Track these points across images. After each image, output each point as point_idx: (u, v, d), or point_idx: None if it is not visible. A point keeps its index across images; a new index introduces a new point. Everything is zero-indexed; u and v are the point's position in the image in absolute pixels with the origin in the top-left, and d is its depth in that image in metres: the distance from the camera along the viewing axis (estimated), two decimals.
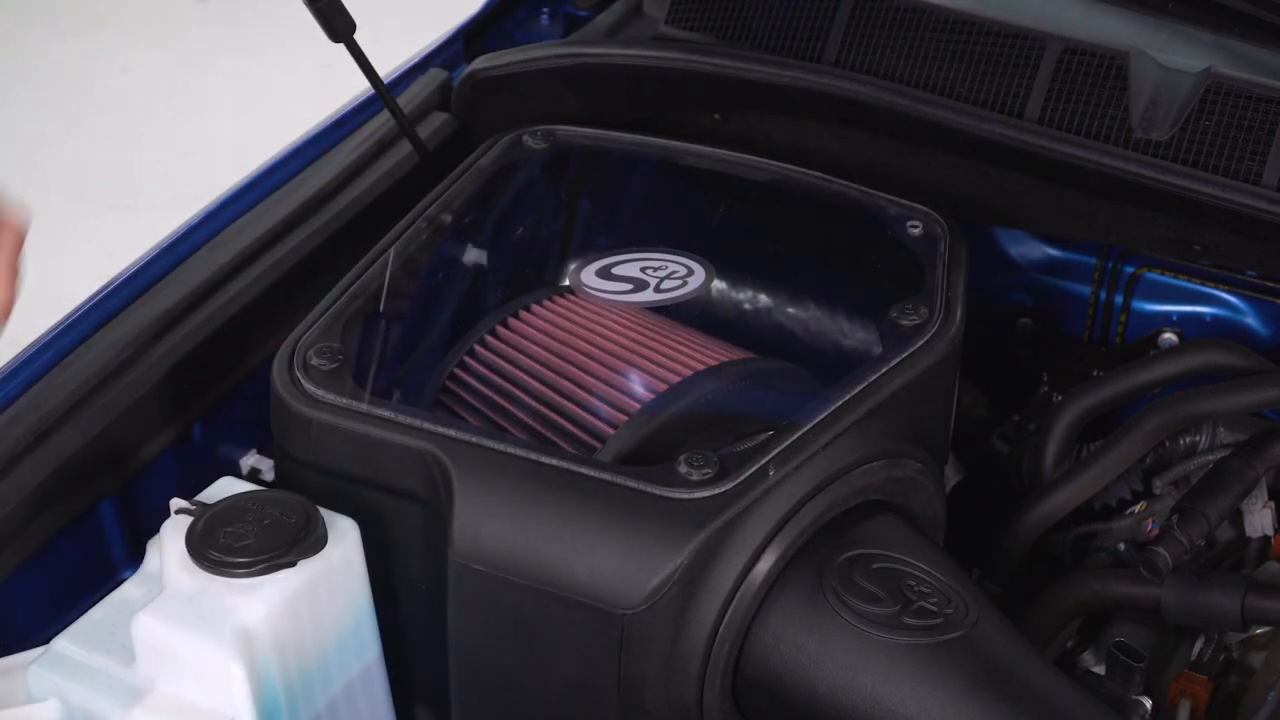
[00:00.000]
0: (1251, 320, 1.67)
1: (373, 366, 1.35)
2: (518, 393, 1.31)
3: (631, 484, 1.16)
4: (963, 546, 1.35)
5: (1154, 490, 1.49)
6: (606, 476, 1.17)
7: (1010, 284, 1.75)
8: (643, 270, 1.43)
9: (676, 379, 1.28)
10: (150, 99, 4.05)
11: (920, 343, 1.29)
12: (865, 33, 1.62)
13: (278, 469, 1.32)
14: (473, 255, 1.49)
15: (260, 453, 1.46)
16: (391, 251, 1.39)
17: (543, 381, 1.31)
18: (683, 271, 1.43)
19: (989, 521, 1.47)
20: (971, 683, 1.15)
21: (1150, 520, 1.45)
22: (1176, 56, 1.55)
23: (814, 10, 1.61)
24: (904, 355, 1.28)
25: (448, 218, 1.45)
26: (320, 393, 1.23)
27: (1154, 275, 1.69)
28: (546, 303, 1.40)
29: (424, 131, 1.67)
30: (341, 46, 1.56)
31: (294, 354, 1.27)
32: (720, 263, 1.46)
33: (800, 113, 1.61)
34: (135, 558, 1.37)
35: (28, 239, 1.15)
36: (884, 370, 1.27)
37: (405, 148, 1.65)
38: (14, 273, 1.14)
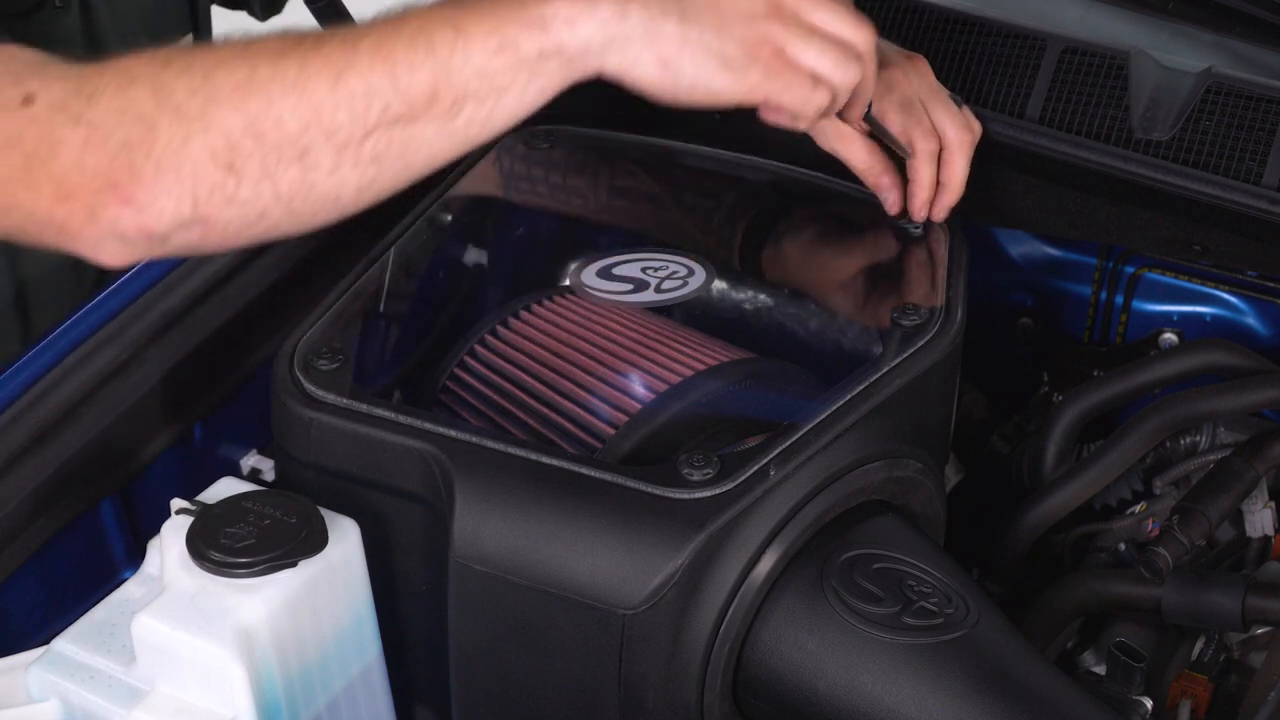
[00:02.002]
0: (1251, 320, 1.66)
1: (373, 367, 1.35)
2: (518, 393, 1.31)
3: (632, 484, 1.16)
4: (963, 546, 1.35)
5: (1154, 490, 1.49)
6: (607, 477, 1.17)
7: (1010, 284, 1.75)
8: (643, 270, 1.43)
9: (677, 379, 1.28)
10: None
11: (921, 343, 1.29)
12: None
13: (278, 469, 1.31)
14: (473, 255, 1.49)
15: (261, 453, 1.46)
16: (391, 251, 1.39)
17: (543, 382, 1.31)
18: (683, 272, 1.43)
19: (989, 521, 1.47)
20: (972, 683, 1.15)
21: (1150, 520, 1.45)
22: (1176, 56, 1.56)
23: None
24: (904, 355, 1.28)
25: (448, 218, 1.45)
26: (321, 393, 1.23)
27: (1154, 275, 1.69)
28: (547, 303, 1.40)
29: None
30: None
31: (294, 354, 1.27)
32: (720, 263, 1.46)
33: None
34: (135, 558, 1.37)
35: None
36: (884, 370, 1.27)
37: None
38: None
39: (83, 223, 1.08)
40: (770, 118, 1.20)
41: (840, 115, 1.28)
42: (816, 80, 1.16)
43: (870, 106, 1.30)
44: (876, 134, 1.39)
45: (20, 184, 1.08)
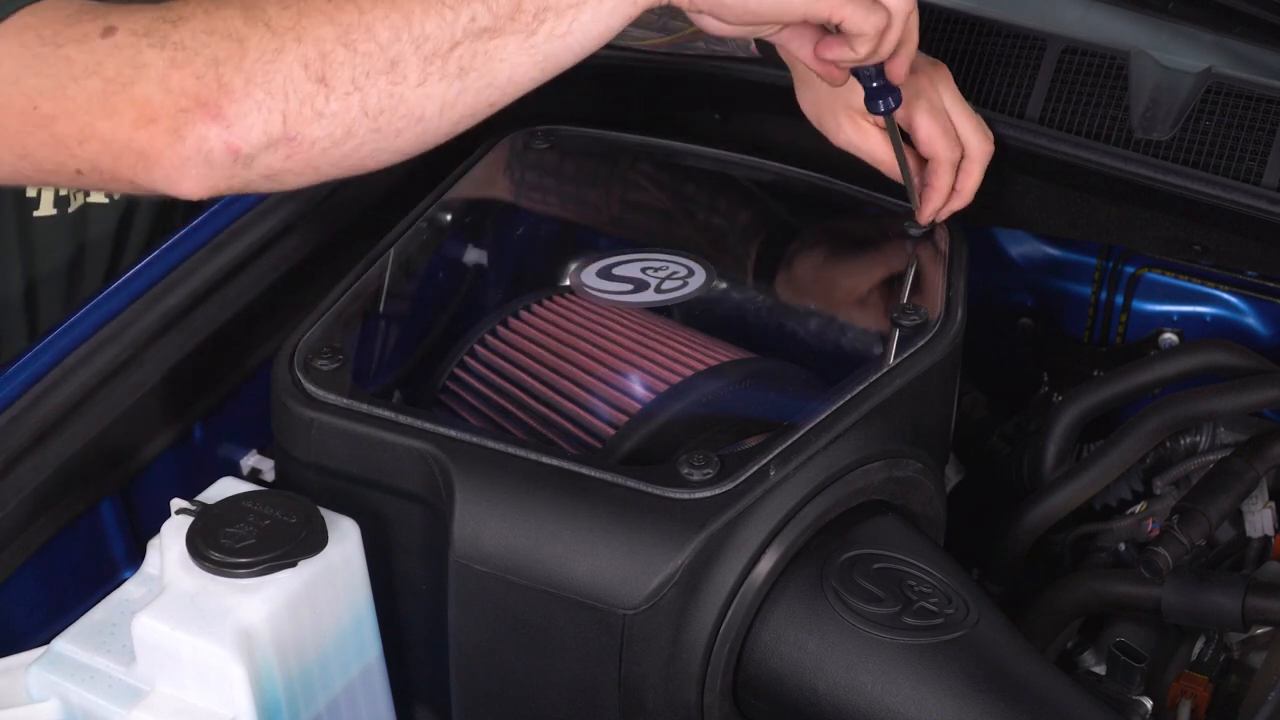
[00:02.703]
0: (1251, 320, 1.67)
1: (373, 367, 1.35)
2: (518, 393, 1.31)
3: (632, 484, 1.16)
4: (963, 546, 1.35)
5: (1154, 490, 1.49)
6: (607, 477, 1.17)
7: (1010, 284, 1.75)
8: (643, 271, 1.43)
9: (677, 379, 1.28)
10: None
11: (921, 343, 1.29)
12: None
13: (278, 469, 1.31)
14: (473, 255, 1.49)
15: (261, 453, 1.46)
16: (391, 252, 1.39)
17: (543, 382, 1.31)
18: (683, 272, 1.43)
19: (989, 521, 1.47)
20: (972, 683, 1.15)
21: (1150, 520, 1.45)
22: (1176, 56, 1.56)
23: None
24: (905, 356, 1.28)
25: (448, 218, 1.45)
26: (321, 393, 1.23)
27: (1154, 275, 1.69)
28: (547, 303, 1.40)
29: None
30: None
31: (295, 354, 1.27)
32: (720, 263, 1.46)
33: (800, 112, 1.61)
34: (135, 558, 1.37)
35: None
36: (885, 371, 1.27)
37: None
38: None
39: (166, 145, 1.07)
40: (830, 52, 1.23)
41: (876, 77, 1.29)
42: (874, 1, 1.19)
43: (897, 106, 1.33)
44: (891, 133, 1.39)
45: (98, 111, 1.08)
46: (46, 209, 1.52)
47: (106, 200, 1.56)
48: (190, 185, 1.10)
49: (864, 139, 1.41)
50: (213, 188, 1.10)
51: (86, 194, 1.54)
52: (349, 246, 1.49)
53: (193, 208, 1.69)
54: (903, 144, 1.40)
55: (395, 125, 1.11)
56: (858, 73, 1.31)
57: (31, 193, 1.51)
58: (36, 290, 1.58)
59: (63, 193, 1.52)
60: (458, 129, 1.15)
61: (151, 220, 1.62)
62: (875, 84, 1.31)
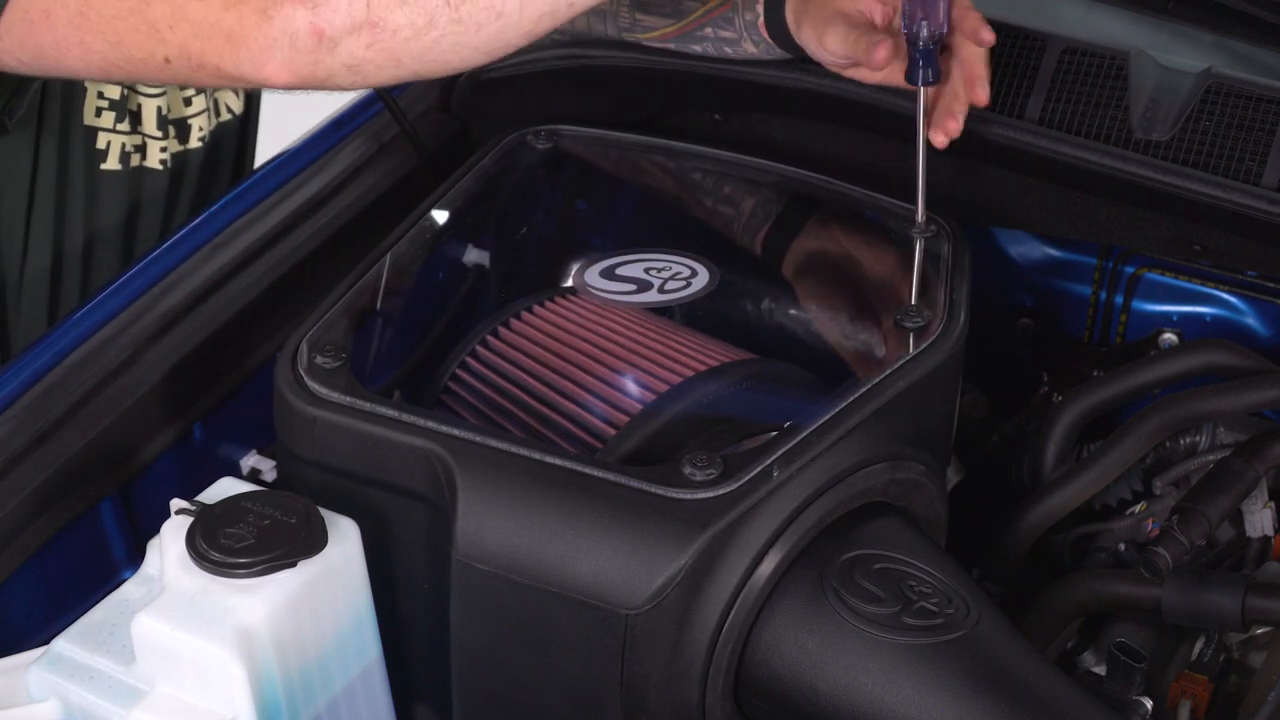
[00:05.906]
0: (1251, 320, 1.67)
1: (375, 365, 1.35)
2: (520, 393, 1.31)
3: (635, 484, 1.16)
4: (963, 546, 1.35)
5: (1154, 490, 1.49)
6: (610, 476, 1.17)
7: (1010, 284, 1.75)
8: (646, 271, 1.43)
9: (679, 380, 1.28)
10: None
11: (923, 346, 1.29)
12: None
13: (280, 467, 1.31)
14: (474, 255, 1.49)
15: (260, 453, 1.46)
16: (394, 251, 1.39)
17: (545, 382, 1.31)
18: (686, 273, 1.43)
19: (989, 521, 1.47)
20: (972, 683, 1.15)
21: (1150, 520, 1.45)
22: (1176, 56, 1.56)
23: None
24: (907, 358, 1.28)
25: (449, 218, 1.45)
26: (324, 391, 1.23)
27: (1154, 275, 1.69)
28: (549, 303, 1.40)
29: (424, 131, 1.67)
30: None
31: (297, 352, 1.27)
32: (723, 264, 1.46)
33: (800, 113, 1.61)
34: (135, 558, 1.37)
35: None
36: (887, 373, 1.27)
37: (405, 148, 1.65)
38: None
39: (253, 26, 1.09)
40: None
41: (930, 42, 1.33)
42: None
43: None
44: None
45: None
46: (112, 163, 1.54)
47: (160, 166, 1.57)
48: (275, 69, 1.12)
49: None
50: (296, 73, 1.12)
51: (143, 155, 1.55)
52: (349, 246, 1.49)
53: (236, 174, 1.70)
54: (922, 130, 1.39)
55: (476, 17, 1.12)
56: (912, 40, 1.34)
57: (101, 144, 1.53)
58: (63, 265, 1.60)
59: (127, 148, 1.53)
60: (538, 29, 1.16)
61: (196, 186, 1.64)
62: (933, 47, 1.34)
